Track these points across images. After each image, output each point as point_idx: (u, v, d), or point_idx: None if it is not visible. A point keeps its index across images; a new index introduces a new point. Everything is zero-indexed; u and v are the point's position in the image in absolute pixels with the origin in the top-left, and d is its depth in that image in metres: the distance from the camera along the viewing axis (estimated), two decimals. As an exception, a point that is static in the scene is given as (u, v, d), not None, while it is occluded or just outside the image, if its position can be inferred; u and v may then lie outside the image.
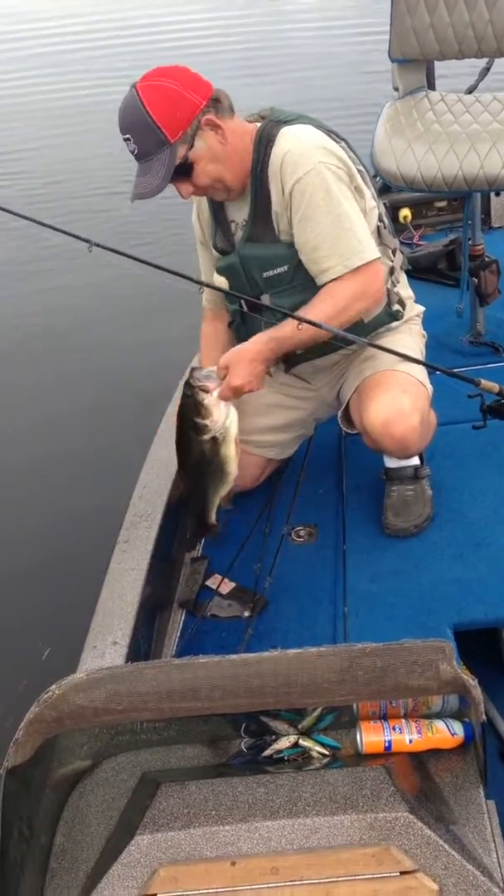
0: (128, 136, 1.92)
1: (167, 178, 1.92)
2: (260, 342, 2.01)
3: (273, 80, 6.84)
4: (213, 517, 2.11)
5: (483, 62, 3.07)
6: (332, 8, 9.64)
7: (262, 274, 2.08)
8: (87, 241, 1.93)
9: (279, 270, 2.06)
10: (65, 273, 4.85)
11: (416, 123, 2.60)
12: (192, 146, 1.92)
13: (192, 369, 1.98)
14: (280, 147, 1.97)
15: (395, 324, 2.23)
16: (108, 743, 1.44)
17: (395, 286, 2.20)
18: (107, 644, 1.81)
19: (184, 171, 1.95)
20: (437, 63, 2.94)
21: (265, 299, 2.11)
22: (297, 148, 1.97)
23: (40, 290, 4.91)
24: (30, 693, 1.27)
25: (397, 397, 2.08)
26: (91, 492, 3.29)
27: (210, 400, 1.95)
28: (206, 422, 1.95)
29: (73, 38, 9.75)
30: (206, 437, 1.96)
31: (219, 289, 2.16)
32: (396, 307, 2.20)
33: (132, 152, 1.94)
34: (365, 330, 2.15)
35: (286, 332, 1.99)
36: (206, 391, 1.95)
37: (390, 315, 2.20)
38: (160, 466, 2.41)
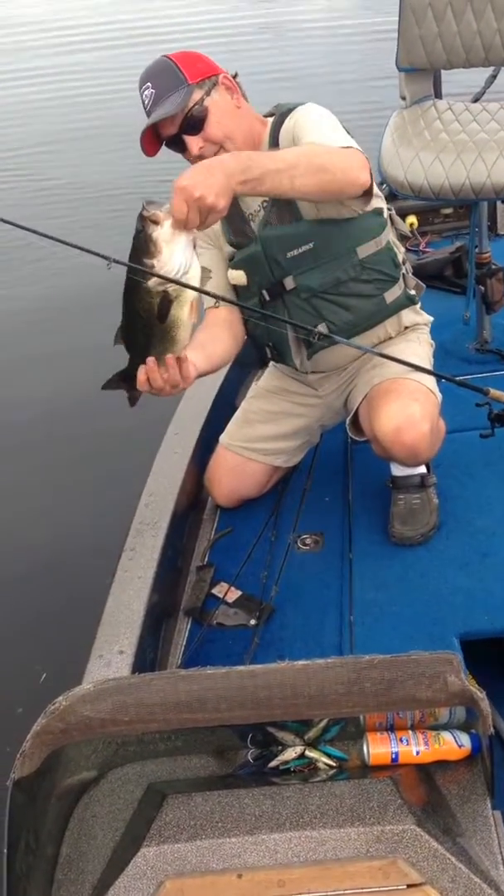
0: (147, 83, 1.95)
1: (182, 107, 1.91)
2: (230, 155, 1.79)
3: (278, 88, 6.86)
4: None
5: (489, 70, 3.09)
6: (339, 10, 9.66)
7: (285, 254, 2.07)
8: (106, 258, 1.74)
9: (304, 248, 2.06)
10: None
11: (424, 132, 2.61)
12: (208, 94, 1.94)
13: (149, 201, 1.60)
14: (291, 115, 2.03)
15: (406, 312, 2.25)
16: (114, 753, 1.43)
17: (406, 270, 2.24)
18: (113, 653, 1.80)
19: (196, 122, 1.94)
20: (443, 71, 2.95)
21: (288, 282, 2.10)
22: (305, 107, 2.03)
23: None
24: (26, 719, 1.26)
25: (408, 405, 2.08)
26: (89, 505, 3.24)
27: (160, 233, 1.56)
28: (153, 262, 1.58)
29: (80, 46, 9.79)
30: (152, 285, 1.61)
31: (234, 302, 2.12)
32: (413, 291, 2.23)
33: (147, 100, 1.94)
34: (386, 311, 2.18)
35: (264, 156, 1.80)
36: (157, 223, 1.57)
37: (408, 298, 2.22)
38: (166, 473, 2.41)
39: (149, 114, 1.95)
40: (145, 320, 1.68)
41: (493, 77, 3.16)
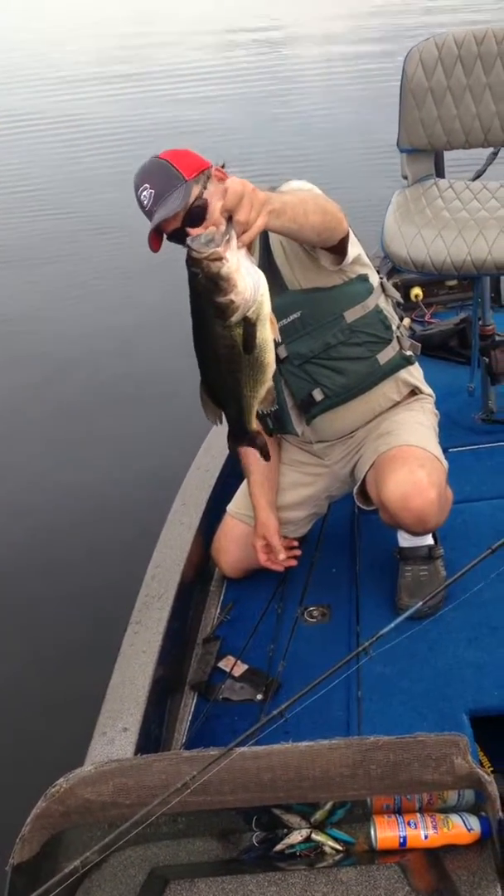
0: (145, 185, 1.98)
1: (186, 200, 1.95)
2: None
3: (282, 170, 6.99)
4: (253, 422, 1.69)
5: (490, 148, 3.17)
6: (340, 92, 9.92)
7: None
8: None
9: (292, 318, 2.11)
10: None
11: (425, 210, 2.67)
12: (205, 187, 1.98)
13: (190, 239, 1.44)
14: (282, 190, 2.04)
15: (404, 374, 2.26)
16: (116, 836, 1.40)
17: (402, 333, 2.25)
18: (117, 730, 1.78)
19: (198, 215, 1.96)
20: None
21: (281, 352, 2.13)
22: (297, 182, 2.05)
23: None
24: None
25: (414, 471, 2.09)
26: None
27: (228, 267, 1.41)
28: (231, 297, 1.43)
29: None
30: (236, 318, 1.45)
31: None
32: (409, 352, 2.25)
33: (146, 200, 1.98)
34: (381, 372, 2.20)
35: (278, 193, 1.76)
36: (219, 259, 1.41)
37: (404, 359, 2.24)
38: (173, 545, 2.41)
39: (150, 212, 2.00)
40: (231, 360, 1.52)
41: (494, 155, 3.25)
